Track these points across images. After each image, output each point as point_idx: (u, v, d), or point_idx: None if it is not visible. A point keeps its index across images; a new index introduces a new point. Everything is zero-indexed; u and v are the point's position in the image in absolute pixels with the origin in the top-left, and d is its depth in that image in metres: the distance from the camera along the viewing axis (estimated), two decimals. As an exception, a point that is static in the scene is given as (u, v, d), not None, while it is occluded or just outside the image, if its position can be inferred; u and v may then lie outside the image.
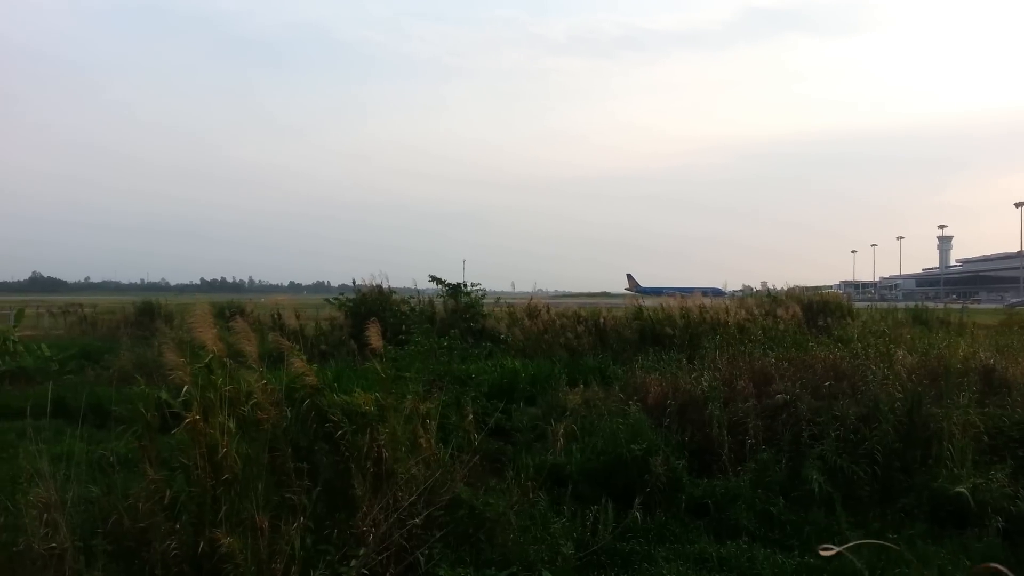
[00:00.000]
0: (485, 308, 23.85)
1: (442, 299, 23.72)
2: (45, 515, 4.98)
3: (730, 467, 8.98)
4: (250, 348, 6.18)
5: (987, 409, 9.46)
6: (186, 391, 5.36)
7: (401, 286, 24.76)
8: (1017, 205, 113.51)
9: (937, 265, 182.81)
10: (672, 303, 23.10)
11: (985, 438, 8.70)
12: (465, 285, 23.58)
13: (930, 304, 35.42)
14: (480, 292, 23.87)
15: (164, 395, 5.80)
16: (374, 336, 8.29)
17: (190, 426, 5.23)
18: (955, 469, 8.13)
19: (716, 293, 29.22)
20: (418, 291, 24.76)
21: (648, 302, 24.61)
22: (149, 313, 30.11)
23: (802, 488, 8.15)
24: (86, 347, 22.30)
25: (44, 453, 5.56)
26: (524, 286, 29.46)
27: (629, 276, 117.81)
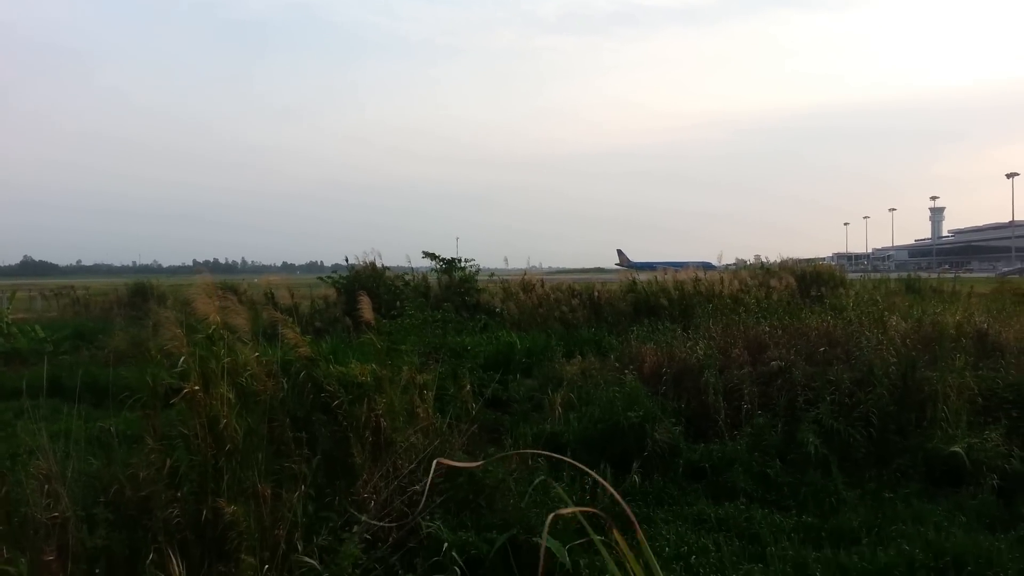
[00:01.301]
0: (479, 284, 23.83)
1: (436, 275, 23.68)
2: (46, 486, 4.98)
3: (726, 432, 9.04)
4: (243, 322, 6.16)
5: (981, 372, 9.53)
6: (183, 362, 5.34)
7: (395, 264, 24.69)
8: (1008, 176, 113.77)
9: (929, 236, 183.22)
10: (667, 276, 23.14)
11: (979, 400, 8.78)
12: (459, 260, 23.54)
13: (923, 274, 35.50)
14: (474, 267, 23.84)
15: (163, 373, 5.78)
16: (365, 308, 8.30)
17: (189, 397, 5.23)
18: (950, 430, 8.22)
19: (707, 267, 29.21)
20: (412, 268, 24.71)
21: (643, 276, 24.63)
22: (142, 294, 29.98)
23: (798, 451, 8.23)
24: (80, 328, 22.24)
25: (42, 430, 5.55)
26: (518, 262, 29.44)
27: (619, 251, 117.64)
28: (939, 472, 7.82)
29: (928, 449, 8.00)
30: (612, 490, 1.75)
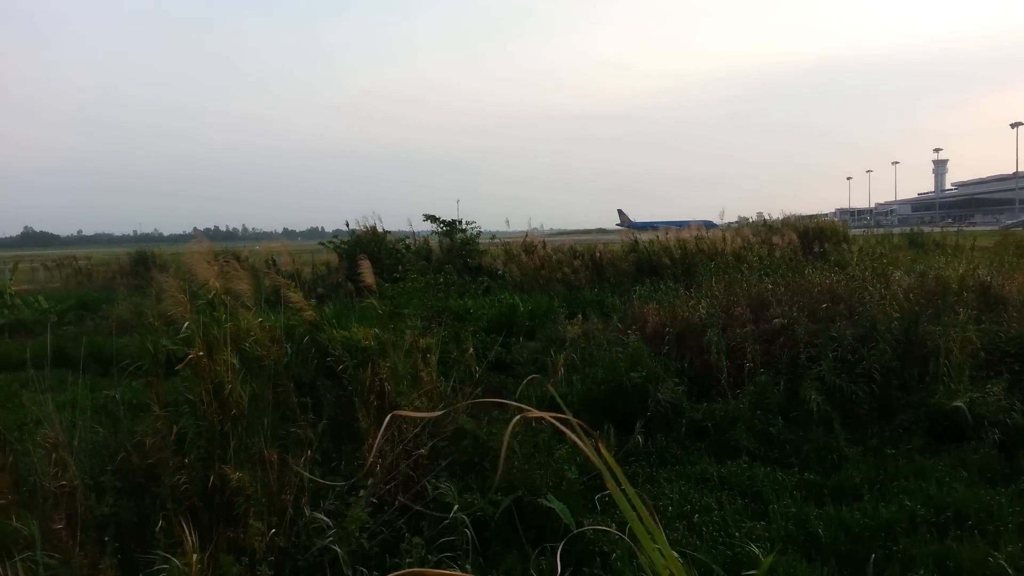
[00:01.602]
0: (481, 246, 23.79)
1: (438, 238, 23.64)
2: (54, 455, 5.02)
3: (729, 391, 9.08)
4: (245, 287, 6.14)
5: (984, 326, 9.51)
6: (187, 326, 5.34)
7: (396, 228, 24.64)
8: (1013, 126, 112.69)
9: (933, 189, 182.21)
10: (669, 235, 23.09)
11: (982, 354, 8.78)
12: (460, 223, 23.48)
13: (926, 228, 35.37)
14: (476, 230, 23.78)
15: (166, 341, 5.78)
16: (366, 272, 8.27)
17: (194, 363, 5.24)
18: (952, 385, 8.23)
19: (709, 226, 29.09)
20: (413, 232, 24.65)
21: (645, 236, 24.56)
22: (144, 263, 30.05)
23: (801, 409, 8.26)
24: (83, 298, 22.29)
25: (48, 400, 5.58)
26: (519, 225, 29.33)
27: (620, 212, 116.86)
28: (941, 427, 7.85)
29: (930, 404, 8.03)
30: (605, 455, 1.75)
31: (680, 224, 30.44)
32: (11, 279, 22.09)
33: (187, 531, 4.43)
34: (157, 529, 4.67)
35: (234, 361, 5.43)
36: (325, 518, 5.19)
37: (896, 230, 36.60)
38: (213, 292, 5.61)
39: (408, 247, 22.73)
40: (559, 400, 2.30)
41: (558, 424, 1.81)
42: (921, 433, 7.85)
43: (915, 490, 6.45)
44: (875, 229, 43.46)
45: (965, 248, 20.69)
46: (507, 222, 28.64)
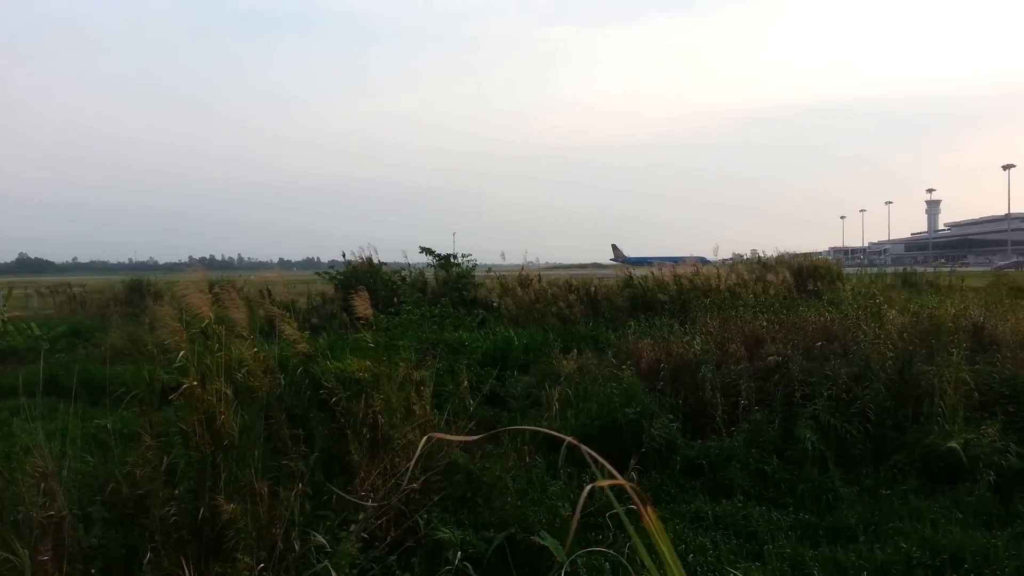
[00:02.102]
0: (477, 279, 23.82)
1: (433, 270, 23.67)
2: (42, 484, 4.96)
3: (724, 428, 9.05)
4: (240, 316, 6.13)
5: (977, 366, 9.54)
6: (183, 356, 5.32)
7: (391, 260, 24.67)
8: (1004, 168, 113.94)
9: (926, 229, 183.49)
10: (664, 271, 23.17)
11: (976, 394, 8.79)
12: (456, 256, 23.53)
13: (919, 268, 35.54)
14: (471, 262, 23.83)
15: (159, 371, 5.75)
16: (361, 304, 8.27)
17: (188, 392, 5.21)
18: (947, 425, 8.22)
19: (702, 262, 29.17)
20: (409, 264, 24.70)
21: (640, 271, 24.63)
22: (138, 291, 29.92)
23: (795, 447, 8.23)
24: (76, 326, 22.17)
25: (39, 428, 5.53)
26: (515, 258, 29.37)
27: (614, 246, 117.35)
28: (936, 468, 7.82)
29: (925, 445, 8.01)
30: (623, 481, 1.72)
31: (674, 260, 30.53)
32: (4, 305, 21.99)
33: (184, 566, 4.37)
34: (145, 562, 4.61)
35: (227, 391, 5.40)
36: (315, 553, 5.12)
37: (889, 269, 36.78)
38: (207, 321, 5.60)
39: (404, 279, 22.76)
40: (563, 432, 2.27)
41: (587, 452, 1.78)
42: (916, 474, 7.83)
43: (911, 532, 6.41)
44: (869, 268, 43.64)
45: (958, 288, 20.80)
46: (503, 255, 28.65)
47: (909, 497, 7.28)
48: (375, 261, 22.99)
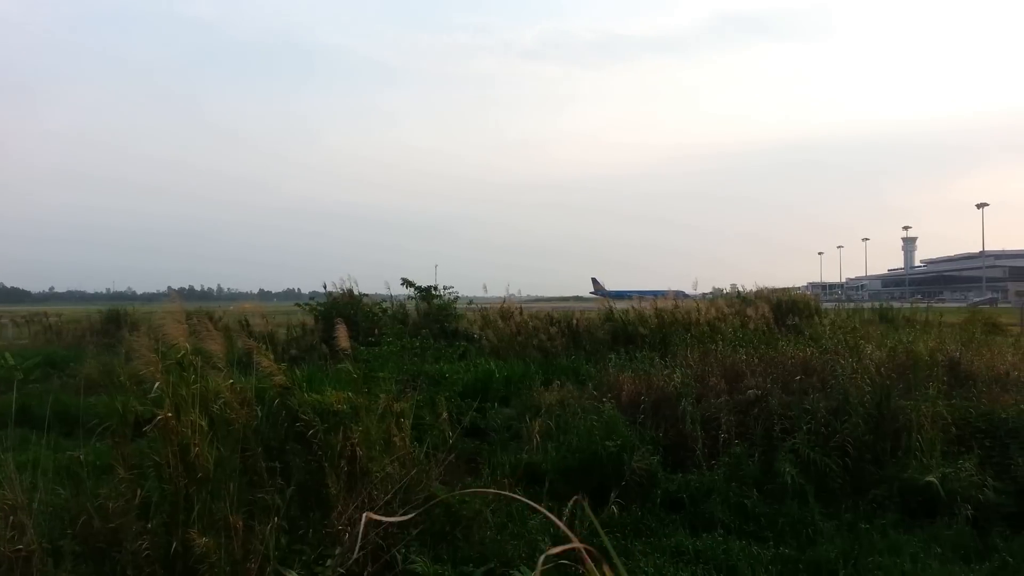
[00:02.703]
0: (458, 311, 23.81)
1: (415, 302, 23.64)
2: (11, 518, 4.86)
3: (704, 462, 9.04)
4: (217, 348, 6.09)
5: (954, 401, 9.63)
6: (158, 387, 5.26)
7: (373, 291, 24.61)
8: (979, 206, 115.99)
9: (902, 266, 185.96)
10: (644, 304, 23.27)
11: (953, 429, 8.84)
12: (437, 288, 23.53)
13: (895, 304, 35.95)
14: (453, 295, 23.83)
15: (133, 401, 5.67)
16: (342, 336, 8.26)
17: (162, 424, 5.14)
18: (924, 459, 8.27)
19: (681, 296, 29.34)
20: (391, 296, 24.66)
21: (620, 304, 24.72)
22: (115, 321, 29.53)
23: (775, 481, 8.24)
24: (51, 356, 21.83)
25: (9, 460, 5.43)
26: (497, 290, 29.38)
27: (594, 280, 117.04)
28: (915, 502, 7.85)
29: (903, 479, 8.04)
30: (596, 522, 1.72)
31: (652, 294, 30.64)
32: (-23, 335, 21.67)
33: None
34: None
35: (202, 423, 5.34)
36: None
37: (867, 305, 37.12)
38: (183, 352, 5.55)
39: (385, 311, 22.69)
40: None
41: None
42: (894, 508, 7.84)
43: (890, 566, 6.41)
44: (846, 303, 44.06)
45: (935, 324, 21.03)
46: (485, 288, 28.67)
47: (888, 531, 7.29)
48: (356, 292, 22.94)
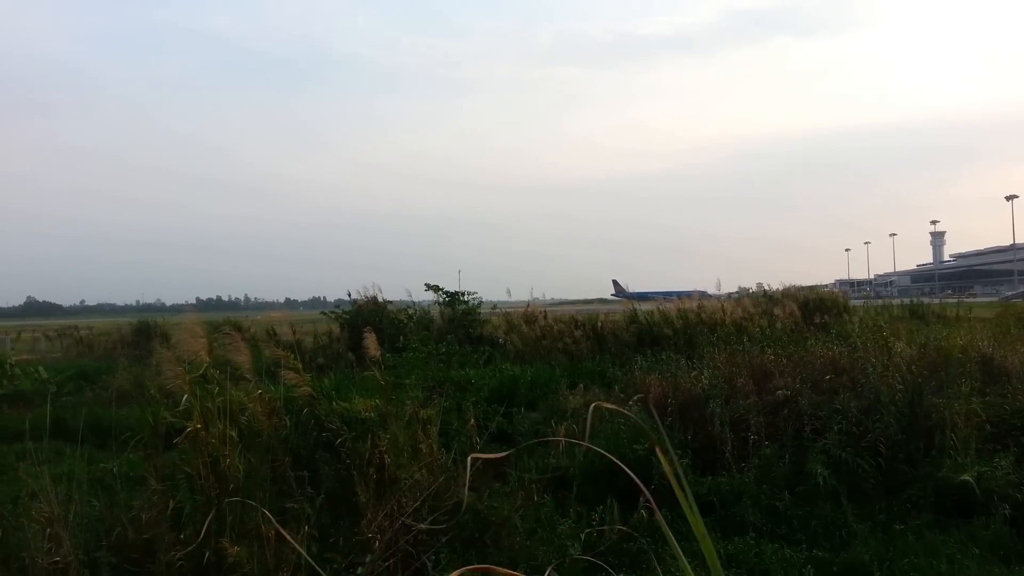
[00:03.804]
0: (483, 316, 23.85)
1: (439, 308, 23.72)
2: (48, 530, 4.94)
3: (734, 464, 8.96)
4: (244, 359, 6.15)
5: (988, 398, 9.46)
6: (186, 400, 5.32)
7: (397, 297, 24.78)
8: (1008, 198, 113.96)
9: (931, 261, 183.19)
10: (669, 305, 23.19)
11: (988, 426, 8.70)
12: (462, 294, 23.60)
13: (925, 299, 35.44)
14: (477, 300, 23.88)
15: (165, 413, 5.75)
16: (371, 344, 8.30)
17: (192, 436, 5.20)
18: (959, 458, 8.13)
19: (703, 297, 29.18)
20: (414, 302, 24.77)
21: (644, 306, 24.64)
22: (146, 333, 29.96)
23: (807, 483, 8.14)
24: (83, 368, 22.22)
25: (45, 472, 5.52)
26: (521, 294, 29.40)
27: (615, 282, 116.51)
28: (950, 502, 7.72)
29: (938, 478, 7.91)
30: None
31: (674, 294, 30.50)
32: (12, 349, 22.08)
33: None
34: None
35: (232, 434, 5.39)
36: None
37: (896, 301, 36.65)
38: (204, 365, 5.61)
39: (410, 317, 22.79)
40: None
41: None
42: (929, 508, 7.72)
43: (926, 568, 6.31)
44: (875, 300, 43.52)
45: (965, 319, 20.70)
46: (509, 292, 28.72)
47: (923, 532, 7.18)
48: (380, 300, 23.09)
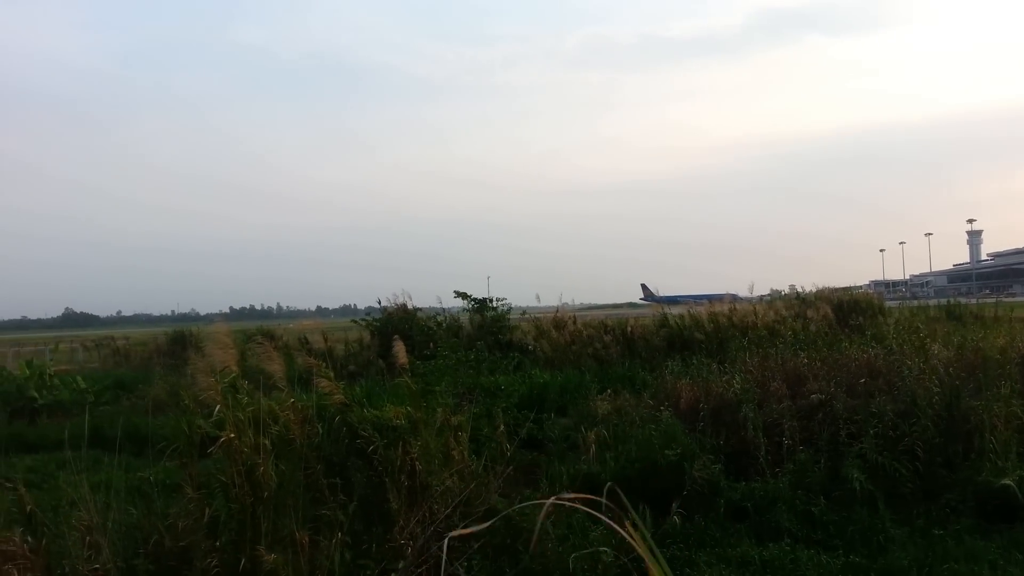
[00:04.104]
0: (512, 322, 23.86)
1: (468, 314, 23.78)
2: (87, 538, 5.03)
3: (768, 469, 8.86)
4: (277, 368, 6.22)
5: (1029, 400, 9.24)
6: (218, 411, 5.40)
7: (426, 304, 24.89)
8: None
9: (968, 260, 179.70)
10: (700, 309, 23.05)
11: (1029, 429, 8.51)
12: (491, 300, 23.64)
13: (963, 299, 34.82)
14: (506, 306, 23.90)
15: (200, 421, 5.84)
16: (400, 352, 8.37)
17: (226, 445, 5.27)
18: (999, 462, 7.97)
19: (734, 300, 28.93)
20: (443, 309, 24.88)
21: (674, 310, 24.50)
22: (181, 343, 30.37)
23: (843, 487, 8.03)
24: (120, 378, 22.60)
25: (84, 481, 5.62)
26: (550, 300, 29.36)
27: (643, 286, 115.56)
28: (990, 507, 7.56)
29: (978, 483, 7.76)
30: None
31: (704, 298, 30.25)
32: (51, 360, 22.55)
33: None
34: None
35: (265, 442, 5.46)
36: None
37: (932, 302, 36.03)
38: (232, 376, 5.68)
39: (440, 324, 22.87)
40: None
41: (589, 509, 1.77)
42: (969, 513, 7.57)
43: (968, 574, 6.19)
44: (911, 301, 42.84)
45: (1005, 319, 20.29)
46: (538, 298, 28.69)
47: (964, 537, 7.04)
48: (409, 307, 23.21)
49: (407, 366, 8.27)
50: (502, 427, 8.87)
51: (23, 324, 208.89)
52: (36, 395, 18.13)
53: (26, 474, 10.75)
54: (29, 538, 4.83)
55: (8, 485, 5.26)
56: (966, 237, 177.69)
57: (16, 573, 4.50)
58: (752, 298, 31.04)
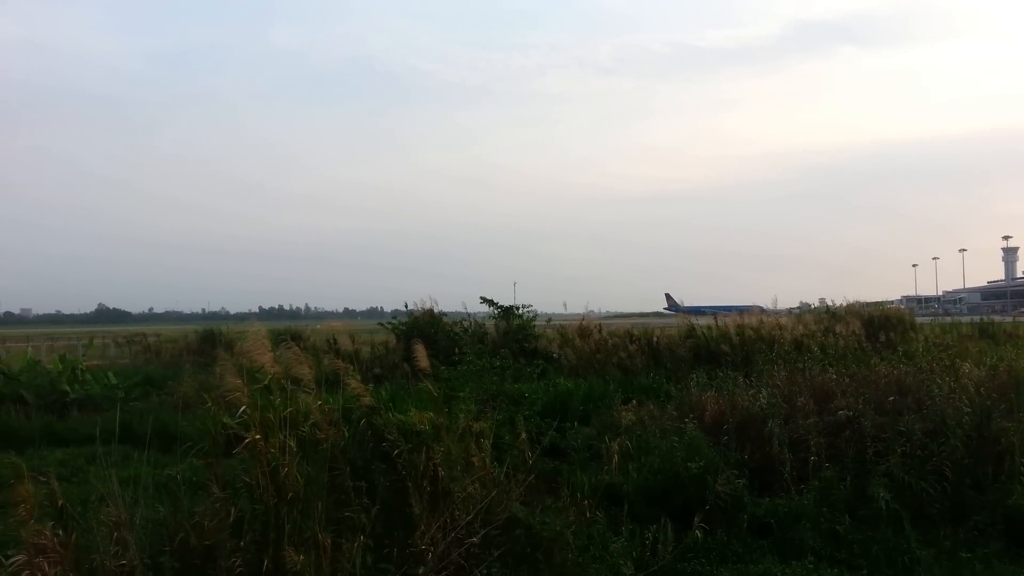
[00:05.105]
0: (537, 330, 23.87)
1: (494, 321, 23.83)
2: (115, 534, 5.12)
3: (792, 485, 8.77)
4: (306, 371, 6.29)
5: (1062, 423, 9.06)
6: (243, 411, 5.47)
7: (452, 309, 25.00)
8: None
9: (1003, 277, 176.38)
10: (728, 320, 22.89)
11: (1061, 453, 8.34)
12: (517, 307, 23.66)
13: (997, 317, 34.20)
14: (531, 313, 23.91)
15: (226, 419, 5.92)
16: (421, 356, 8.42)
17: (251, 446, 5.34)
18: (1030, 485, 7.82)
19: (760, 312, 28.64)
20: (469, 314, 24.97)
21: (700, 321, 24.37)
22: (211, 341, 30.75)
23: (868, 506, 7.93)
24: (150, 375, 22.94)
25: (113, 476, 5.72)
26: (576, 307, 29.36)
27: (668, 295, 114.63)
28: (1021, 531, 7.43)
29: (1008, 505, 7.63)
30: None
31: (729, 309, 30.01)
32: (84, 355, 22.96)
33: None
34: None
35: (291, 443, 5.52)
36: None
37: (965, 319, 35.44)
38: (267, 378, 5.76)
39: (465, 329, 22.94)
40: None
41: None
42: (999, 536, 7.44)
43: (995, 598, 6.08)
44: (943, 317, 42.15)
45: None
46: (564, 305, 28.74)
47: (992, 561, 6.93)
48: (435, 311, 23.32)
49: (428, 370, 8.32)
50: (524, 435, 8.88)
51: (57, 319, 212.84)
52: (68, 389, 18.46)
53: (57, 468, 10.98)
54: (60, 532, 4.93)
55: (41, 479, 5.36)
56: (1001, 254, 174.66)
57: (47, 566, 4.59)
58: (779, 311, 30.76)
